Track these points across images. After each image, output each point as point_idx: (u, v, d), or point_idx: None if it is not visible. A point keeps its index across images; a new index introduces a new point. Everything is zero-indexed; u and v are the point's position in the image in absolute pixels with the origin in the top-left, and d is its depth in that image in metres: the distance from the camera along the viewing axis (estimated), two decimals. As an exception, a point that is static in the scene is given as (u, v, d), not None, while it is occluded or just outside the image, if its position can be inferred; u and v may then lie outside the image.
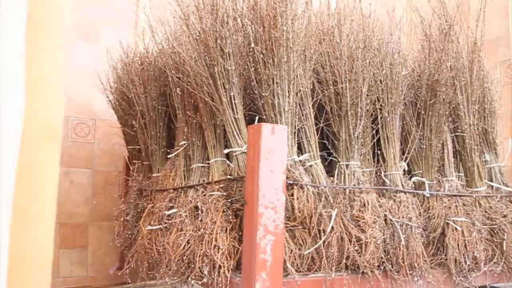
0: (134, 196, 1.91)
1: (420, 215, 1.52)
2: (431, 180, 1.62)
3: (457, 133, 1.75)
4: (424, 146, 1.64)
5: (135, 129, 1.91)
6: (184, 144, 1.59)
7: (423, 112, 1.65)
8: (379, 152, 1.58)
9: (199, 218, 1.32)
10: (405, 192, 1.51)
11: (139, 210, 1.86)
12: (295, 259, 1.26)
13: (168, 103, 1.80)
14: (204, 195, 1.39)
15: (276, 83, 1.34)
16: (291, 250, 1.26)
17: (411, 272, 1.41)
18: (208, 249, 1.23)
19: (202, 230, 1.28)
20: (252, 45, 1.36)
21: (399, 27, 1.74)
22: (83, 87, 2.41)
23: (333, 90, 1.50)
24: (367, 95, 1.51)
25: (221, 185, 1.37)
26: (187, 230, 1.32)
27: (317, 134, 1.47)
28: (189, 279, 1.26)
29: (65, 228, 2.38)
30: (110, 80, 2.14)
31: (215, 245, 1.24)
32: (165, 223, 1.48)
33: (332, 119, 1.52)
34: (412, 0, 2.02)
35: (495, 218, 1.63)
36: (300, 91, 1.43)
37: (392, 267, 1.39)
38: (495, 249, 1.62)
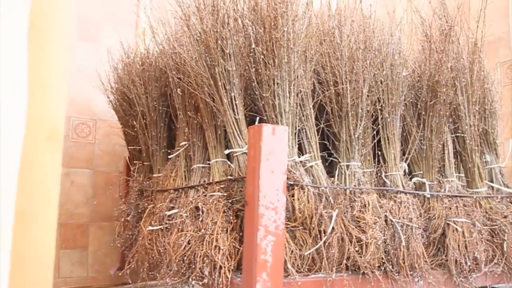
0: (135, 197, 1.91)
1: (420, 216, 1.52)
2: (432, 181, 1.62)
3: (457, 134, 1.75)
4: (425, 147, 1.64)
5: (135, 129, 1.92)
6: (185, 144, 1.59)
7: (423, 112, 1.65)
8: (379, 152, 1.59)
9: (200, 219, 1.33)
10: (405, 193, 1.51)
11: (139, 211, 1.86)
12: (295, 259, 1.26)
13: (168, 104, 1.80)
14: (205, 195, 1.39)
15: (277, 83, 1.34)
16: (292, 251, 1.26)
17: (411, 272, 1.41)
18: (208, 250, 1.23)
19: (202, 230, 1.28)
20: (253, 45, 1.36)
21: (399, 28, 1.74)
22: (84, 88, 2.42)
23: (333, 91, 1.50)
24: (368, 95, 1.51)
25: (222, 186, 1.38)
26: (187, 231, 1.33)
27: (318, 135, 1.47)
28: (190, 279, 1.26)
29: (65, 229, 2.38)
30: (111, 80, 2.14)
31: (215, 246, 1.24)
32: (166, 223, 1.48)
33: (332, 120, 1.52)
34: (412, 1, 2.02)
35: (496, 219, 1.63)
36: (300, 91, 1.43)
37: (392, 267, 1.39)
38: (496, 250, 1.62)
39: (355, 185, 1.45)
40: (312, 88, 1.50)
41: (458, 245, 1.52)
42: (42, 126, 0.67)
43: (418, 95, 1.69)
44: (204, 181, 1.46)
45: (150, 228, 1.54)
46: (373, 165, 1.57)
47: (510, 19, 2.73)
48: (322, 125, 1.53)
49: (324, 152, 1.56)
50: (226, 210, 1.31)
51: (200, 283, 1.26)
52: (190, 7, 1.48)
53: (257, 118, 1.42)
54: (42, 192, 0.66)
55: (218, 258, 1.22)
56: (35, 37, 0.67)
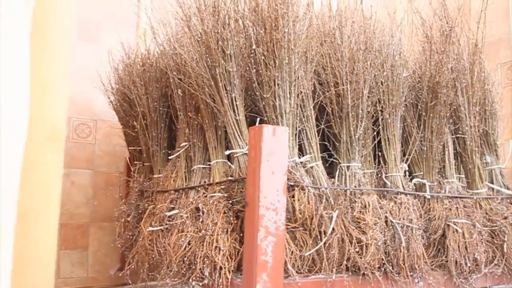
0: (135, 197, 1.91)
1: (420, 217, 1.52)
2: (432, 182, 1.62)
3: (458, 135, 1.75)
4: (425, 148, 1.64)
5: (136, 130, 1.92)
6: (185, 145, 1.59)
7: (424, 113, 1.65)
8: (380, 153, 1.59)
9: (200, 219, 1.33)
10: (406, 194, 1.51)
11: (140, 211, 1.86)
12: (296, 260, 1.26)
13: (169, 104, 1.80)
14: (205, 196, 1.39)
15: (278, 84, 1.34)
16: (292, 252, 1.26)
17: (411, 273, 1.41)
18: (209, 251, 1.23)
19: (203, 231, 1.28)
20: (254, 46, 1.36)
21: (400, 29, 1.74)
22: (84, 88, 2.42)
23: (334, 92, 1.50)
24: (368, 96, 1.52)
25: (222, 187, 1.38)
26: (188, 231, 1.33)
27: (318, 136, 1.47)
28: (190, 280, 1.26)
29: (66, 229, 2.38)
30: (112, 81, 2.14)
31: (216, 247, 1.24)
32: (166, 224, 1.48)
33: (333, 121, 1.52)
34: (413, 2, 2.02)
35: (496, 220, 1.63)
36: (301, 92, 1.43)
37: (392, 268, 1.39)
38: (496, 251, 1.62)
39: (355, 186, 1.45)
40: (312, 89, 1.50)
41: (458, 246, 1.52)
42: (43, 126, 0.67)
43: (419, 96, 1.69)
44: (205, 182, 1.46)
45: (151, 228, 1.54)
46: (373, 166, 1.57)
47: (511, 20, 2.73)
48: (322, 126, 1.53)
49: (324, 153, 1.56)
50: (226, 211, 1.32)
51: (200, 284, 1.26)
52: (191, 8, 1.48)
53: (258, 119, 1.42)
54: (44, 193, 0.66)
55: (218, 259, 1.22)
56: (36, 38, 0.67)
